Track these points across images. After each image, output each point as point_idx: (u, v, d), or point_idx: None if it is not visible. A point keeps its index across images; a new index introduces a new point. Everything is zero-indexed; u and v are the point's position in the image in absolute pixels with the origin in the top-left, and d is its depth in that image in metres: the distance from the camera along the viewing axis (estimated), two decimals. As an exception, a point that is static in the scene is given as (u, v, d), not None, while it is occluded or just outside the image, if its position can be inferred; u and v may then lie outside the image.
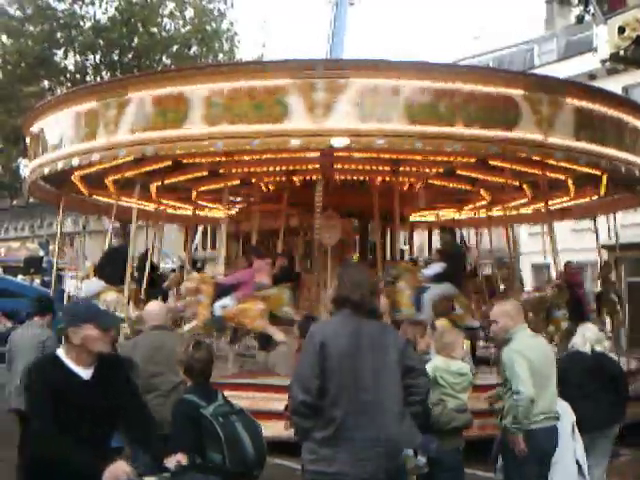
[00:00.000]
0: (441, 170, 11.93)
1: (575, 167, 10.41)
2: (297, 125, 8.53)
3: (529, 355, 5.09)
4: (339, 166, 11.03)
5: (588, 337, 6.53)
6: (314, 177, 10.83)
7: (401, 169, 11.15)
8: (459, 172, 12.09)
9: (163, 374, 5.53)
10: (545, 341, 6.08)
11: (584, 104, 9.58)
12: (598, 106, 9.75)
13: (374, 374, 3.75)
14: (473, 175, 12.35)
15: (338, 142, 8.50)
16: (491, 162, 11.02)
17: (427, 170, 11.91)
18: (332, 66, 9.26)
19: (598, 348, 6.51)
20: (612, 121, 9.95)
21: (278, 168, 11.45)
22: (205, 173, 12.08)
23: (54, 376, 3.49)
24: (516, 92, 8.95)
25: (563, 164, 10.12)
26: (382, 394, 3.75)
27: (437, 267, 10.39)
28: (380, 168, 11.24)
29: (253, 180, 12.40)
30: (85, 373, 3.58)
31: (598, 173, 10.77)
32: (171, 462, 3.56)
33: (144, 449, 3.90)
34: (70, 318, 3.65)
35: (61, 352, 3.61)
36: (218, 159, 10.45)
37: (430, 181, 12.57)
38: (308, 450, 3.80)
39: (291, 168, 11.42)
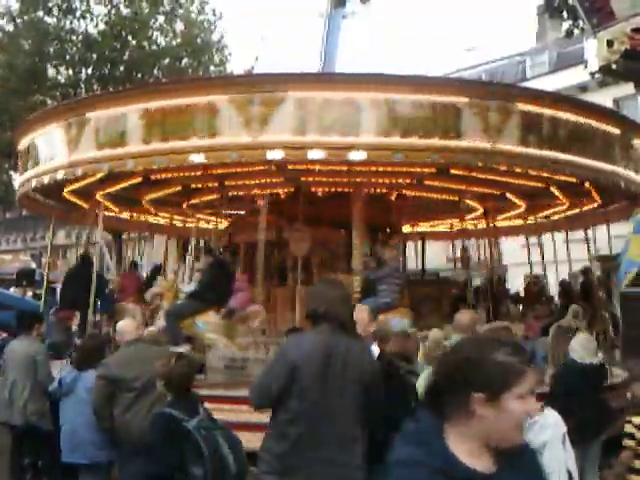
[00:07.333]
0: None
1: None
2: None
3: None
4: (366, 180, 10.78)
5: (587, 348, 6.57)
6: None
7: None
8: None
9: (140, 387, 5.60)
10: None
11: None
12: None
13: (339, 395, 3.71)
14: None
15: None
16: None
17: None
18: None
19: (594, 360, 6.54)
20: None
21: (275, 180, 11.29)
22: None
23: None
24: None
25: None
26: (343, 416, 3.72)
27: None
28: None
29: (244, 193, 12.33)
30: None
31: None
32: None
33: None
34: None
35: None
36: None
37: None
38: (264, 461, 3.79)
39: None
